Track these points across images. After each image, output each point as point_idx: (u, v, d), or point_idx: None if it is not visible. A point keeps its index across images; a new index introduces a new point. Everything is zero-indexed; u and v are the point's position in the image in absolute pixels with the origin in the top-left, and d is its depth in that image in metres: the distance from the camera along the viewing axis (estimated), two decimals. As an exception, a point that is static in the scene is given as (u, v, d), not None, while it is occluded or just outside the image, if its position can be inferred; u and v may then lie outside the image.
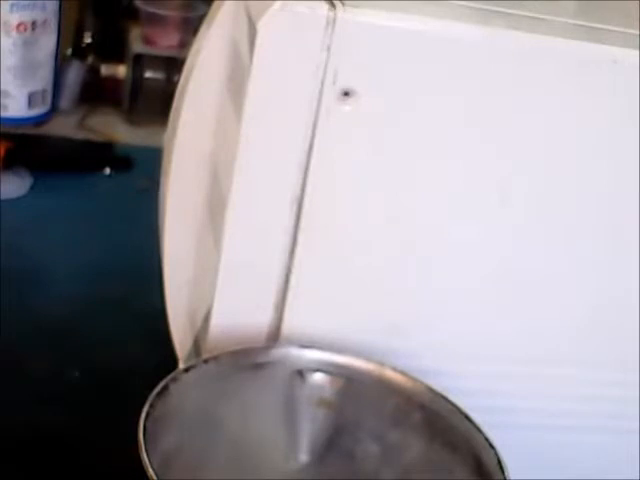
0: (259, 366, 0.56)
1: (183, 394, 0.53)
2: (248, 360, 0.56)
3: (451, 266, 0.60)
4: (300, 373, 0.57)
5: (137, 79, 1.22)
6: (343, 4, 0.53)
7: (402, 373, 0.57)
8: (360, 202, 0.57)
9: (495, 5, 0.58)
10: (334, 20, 0.52)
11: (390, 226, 0.58)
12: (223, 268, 0.58)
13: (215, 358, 0.56)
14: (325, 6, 0.53)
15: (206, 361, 0.55)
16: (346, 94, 0.54)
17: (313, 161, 0.55)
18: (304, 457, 0.58)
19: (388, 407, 0.57)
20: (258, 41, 0.53)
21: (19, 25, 1.08)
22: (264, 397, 0.57)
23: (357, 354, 0.58)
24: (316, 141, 0.55)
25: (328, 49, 0.53)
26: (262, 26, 0.52)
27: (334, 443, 0.58)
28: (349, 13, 0.52)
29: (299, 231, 0.57)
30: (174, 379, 0.53)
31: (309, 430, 0.58)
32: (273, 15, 0.52)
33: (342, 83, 0.54)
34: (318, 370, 0.57)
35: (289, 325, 0.59)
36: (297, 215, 0.57)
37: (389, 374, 0.57)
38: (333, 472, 0.58)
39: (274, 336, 0.59)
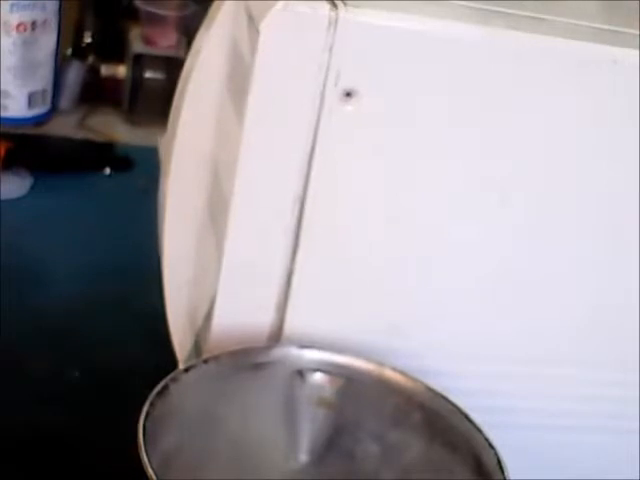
0: (259, 366, 0.56)
1: (183, 394, 0.53)
2: (248, 360, 0.56)
3: (451, 266, 0.60)
4: (300, 373, 0.57)
5: (137, 79, 1.22)
6: (345, 4, 0.53)
7: (402, 373, 0.57)
8: (362, 202, 0.57)
9: (495, 5, 0.58)
10: (336, 20, 0.52)
11: (391, 226, 0.58)
12: (225, 269, 0.58)
13: (215, 358, 0.56)
14: (327, 6, 0.52)
15: (206, 361, 0.55)
16: (348, 94, 0.54)
17: (315, 162, 0.55)
18: (304, 457, 0.58)
19: (388, 407, 0.57)
20: (260, 42, 0.53)
21: (19, 25, 1.08)
22: (264, 397, 0.57)
23: (358, 354, 0.58)
24: (318, 142, 0.55)
25: (330, 49, 0.53)
26: (264, 27, 0.52)
27: (334, 443, 0.58)
28: (351, 13, 0.52)
29: (301, 231, 0.57)
30: (174, 379, 0.53)
31: (309, 430, 0.58)
32: (275, 16, 0.52)
33: (344, 83, 0.54)
34: (318, 370, 0.57)
35: (291, 326, 0.59)
36: (299, 215, 0.57)
37: (389, 374, 0.57)
38: (333, 472, 0.58)
39: (276, 337, 0.59)
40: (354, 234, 0.58)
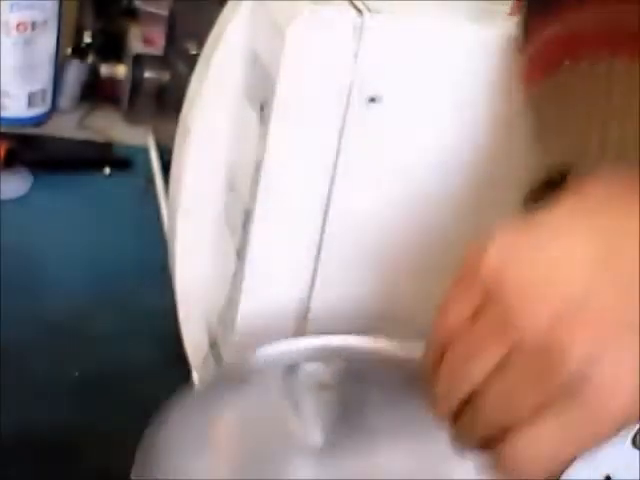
0: (250, 374, 0.56)
1: (178, 424, 0.51)
2: (237, 373, 0.56)
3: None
4: (292, 368, 0.56)
5: (136, 79, 1.21)
6: (370, 10, 0.52)
7: (396, 340, 0.56)
8: (385, 207, 0.57)
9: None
10: (361, 26, 0.52)
11: (416, 230, 0.58)
12: (249, 273, 0.58)
13: (204, 383, 0.54)
14: (353, 12, 0.52)
15: (199, 383, 0.55)
16: (373, 100, 0.54)
17: (340, 166, 0.55)
18: (318, 438, 0.57)
19: (389, 378, 0.56)
20: (286, 47, 0.52)
21: (19, 25, 1.08)
22: (264, 398, 0.57)
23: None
24: (342, 147, 0.54)
25: (355, 55, 0.53)
26: (290, 32, 0.52)
27: (344, 420, 0.57)
28: (376, 19, 0.52)
29: (324, 236, 0.57)
30: (168, 406, 0.51)
31: (317, 413, 0.57)
32: (302, 21, 0.52)
33: (369, 89, 0.53)
34: (311, 359, 0.57)
35: (314, 328, 0.59)
36: (323, 221, 0.56)
37: (383, 344, 0.56)
38: (349, 447, 0.57)
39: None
40: (378, 237, 0.58)
